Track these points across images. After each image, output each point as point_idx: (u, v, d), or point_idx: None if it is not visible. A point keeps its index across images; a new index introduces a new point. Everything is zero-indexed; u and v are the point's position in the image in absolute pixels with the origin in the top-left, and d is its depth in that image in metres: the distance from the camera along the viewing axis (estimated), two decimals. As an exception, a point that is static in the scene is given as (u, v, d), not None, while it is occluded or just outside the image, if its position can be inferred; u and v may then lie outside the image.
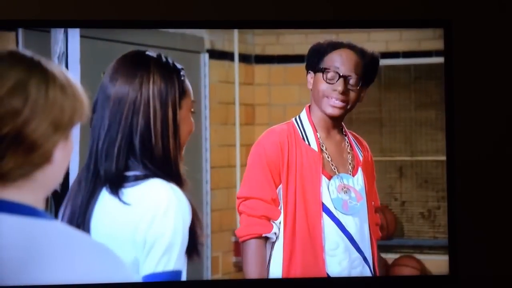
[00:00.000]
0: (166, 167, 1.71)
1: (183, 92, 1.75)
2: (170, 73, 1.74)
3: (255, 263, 2.03)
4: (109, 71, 1.75)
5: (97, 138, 1.72)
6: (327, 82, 2.05)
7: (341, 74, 2.05)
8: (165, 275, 1.66)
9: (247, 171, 2.08)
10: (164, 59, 1.75)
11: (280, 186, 2.04)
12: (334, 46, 2.08)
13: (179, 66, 1.77)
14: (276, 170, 2.04)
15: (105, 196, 1.71)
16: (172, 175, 1.71)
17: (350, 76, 2.06)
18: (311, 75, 2.09)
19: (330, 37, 2.10)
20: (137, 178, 1.70)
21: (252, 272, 2.04)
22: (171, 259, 1.67)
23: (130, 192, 1.69)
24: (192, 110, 1.80)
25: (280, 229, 2.04)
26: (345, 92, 2.05)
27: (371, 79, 2.11)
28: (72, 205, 1.74)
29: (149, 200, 1.68)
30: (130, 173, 1.70)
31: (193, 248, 1.72)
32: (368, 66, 2.08)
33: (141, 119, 1.70)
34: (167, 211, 1.67)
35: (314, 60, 2.08)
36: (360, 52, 2.08)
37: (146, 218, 1.66)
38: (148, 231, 1.66)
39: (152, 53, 1.76)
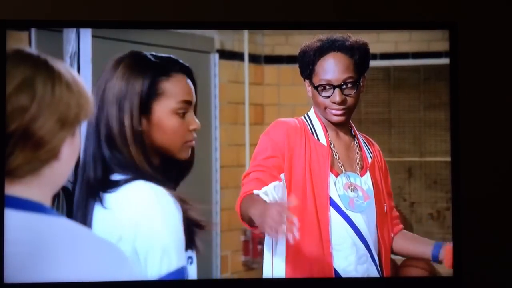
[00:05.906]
0: (137, 172, 1.67)
1: (154, 94, 1.71)
2: (135, 76, 1.69)
3: (256, 206, 1.90)
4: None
5: (84, 145, 1.70)
6: (323, 97, 2.02)
7: (335, 85, 2.01)
8: (171, 275, 1.64)
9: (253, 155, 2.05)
10: (136, 58, 1.71)
11: (283, 174, 2.01)
12: (321, 52, 2.02)
13: (156, 62, 1.71)
14: (281, 155, 2.01)
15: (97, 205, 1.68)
16: (147, 178, 1.67)
17: (344, 83, 2.01)
18: (307, 83, 2.06)
19: (314, 38, 2.04)
20: (118, 183, 1.65)
21: (257, 210, 1.88)
22: (171, 259, 1.64)
23: (110, 198, 1.65)
24: (182, 111, 1.76)
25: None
26: (344, 101, 2.02)
27: (366, 67, 2.04)
28: (81, 212, 1.70)
29: (128, 206, 1.64)
30: (113, 178, 1.66)
31: (193, 238, 1.70)
32: (360, 60, 2.02)
33: (104, 127, 1.67)
34: (151, 215, 1.63)
35: (305, 71, 2.05)
36: (349, 51, 2.02)
37: (129, 228, 1.62)
38: (135, 242, 1.62)
39: (144, 53, 1.72)
